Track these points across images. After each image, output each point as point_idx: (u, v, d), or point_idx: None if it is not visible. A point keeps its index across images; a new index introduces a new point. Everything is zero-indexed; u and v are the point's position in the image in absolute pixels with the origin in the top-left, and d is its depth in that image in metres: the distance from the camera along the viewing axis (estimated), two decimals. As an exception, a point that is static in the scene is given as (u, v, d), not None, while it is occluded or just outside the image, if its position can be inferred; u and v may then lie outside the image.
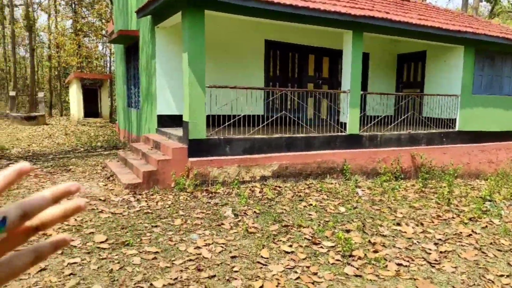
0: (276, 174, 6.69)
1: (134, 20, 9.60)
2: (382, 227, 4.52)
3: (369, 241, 4.03)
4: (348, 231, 4.31)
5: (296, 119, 7.87)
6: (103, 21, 22.28)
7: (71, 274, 3.13)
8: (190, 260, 3.48)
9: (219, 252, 3.67)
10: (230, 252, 3.69)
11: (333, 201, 5.58)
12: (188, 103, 6.18)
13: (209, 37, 7.12)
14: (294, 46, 9.54)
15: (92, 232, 4.04)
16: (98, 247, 3.67)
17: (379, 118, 8.46)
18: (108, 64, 29.48)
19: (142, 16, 7.82)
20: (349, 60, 7.53)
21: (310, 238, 4.06)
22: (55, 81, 27.25)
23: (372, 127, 8.26)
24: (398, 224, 4.64)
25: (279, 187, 6.30)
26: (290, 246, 3.83)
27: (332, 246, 3.86)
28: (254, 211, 4.97)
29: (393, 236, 4.26)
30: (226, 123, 6.74)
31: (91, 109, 18.33)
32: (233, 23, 8.29)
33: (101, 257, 3.45)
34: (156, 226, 4.32)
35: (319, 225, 4.50)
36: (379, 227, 4.52)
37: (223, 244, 3.87)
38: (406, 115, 8.77)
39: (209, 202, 5.34)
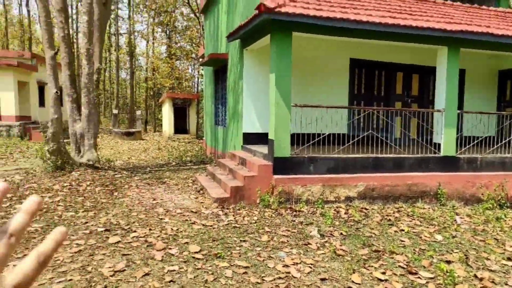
0: (362, 195, 6.45)
1: (223, 44, 10.23)
2: (489, 260, 4.05)
3: (475, 276, 3.64)
4: (448, 262, 3.95)
5: (383, 138, 7.55)
6: (194, 45, 24.17)
7: (171, 281, 3.37)
8: (280, 278, 3.50)
9: (308, 273, 3.63)
10: (319, 273, 3.63)
11: (427, 227, 5.18)
12: (273, 122, 6.33)
13: (293, 57, 7.27)
14: (380, 63, 9.25)
15: (187, 242, 4.31)
16: (193, 257, 3.89)
17: (479, 139, 7.71)
18: (196, 84, 31.68)
19: (232, 40, 8.30)
20: (443, 77, 7.06)
21: (405, 266, 3.81)
22: (149, 100, 30.13)
23: (471, 149, 7.55)
24: (509, 259, 4.12)
25: (366, 209, 6.06)
26: (383, 273, 3.64)
27: (432, 278, 3.56)
28: (341, 233, 4.84)
29: (504, 272, 3.78)
30: (310, 142, 6.73)
31: (180, 126, 19.79)
32: (317, 42, 8.36)
33: (196, 267, 3.66)
34: (244, 241, 4.45)
35: (414, 253, 4.20)
36: (486, 260, 4.06)
37: (311, 264, 3.83)
38: (511, 137, 7.84)
39: (294, 221, 5.35)
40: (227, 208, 5.86)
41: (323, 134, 6.86)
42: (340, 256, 4.06)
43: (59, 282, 3.26)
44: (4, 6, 30.37)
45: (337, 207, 6.10)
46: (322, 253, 4.14)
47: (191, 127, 20.37)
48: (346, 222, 5.33)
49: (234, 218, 5.37)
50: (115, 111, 21.21)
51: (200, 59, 17.51)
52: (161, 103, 23.06)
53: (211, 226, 4.96)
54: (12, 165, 9.44)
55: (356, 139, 7.10)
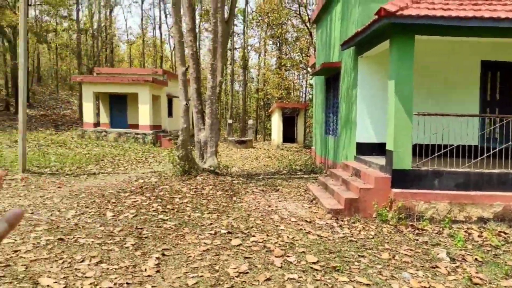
0: (499, 217, 5.63)
1: (336, 53, 10.13)
2: None
3: None
4: None
5: (527, 152, 6.47)
6: (303, 55, 24.54)
7: (291, 288, 3.43)
8: (406, 300, 3.27)
9: (439, 299, 3.31)
10: (452, 301, 3.28)
11: None
12: (392, 132, 5.99)
13: (414, 61, 6.78)
14: (521, 65, 8.00)
15: (304, 252, 4.34)
16: (311, 268, 3.90)
17: None
18: (303, 94, 32.01)
19: (346, 48, 8.16)
20: None
21: None
22: (260, 110, 31.52)
23: None
24: None
25: (505, 233, 5.26)
26: (537, 311, 3.10)
27: None
28: (475, 258, 4.29)
29: None
30: (435, 154, 6.16)
31: (288, 135, 20.21)
32: (441, 45, 7.66)
33: (315, 278, 3.65)
34: (362, 256, 4.28)
35: None
36: None
37: (441, 290, 3.48)
38: None
39: (417, 240, 4.94)
40: (342, 220, 5.73)
41: (450, 145, 6.21)
42: (477, 285, 3.59)
43: (193, 277, 3.61)
44: (142, 31, 35.46)
45: (467, 228, 5.44)
46: (455, 279, 3.72)
47: (298, 136, 20.61)
48: (480, 247, 4.71)
49: (350, 231, 5.22)
50: (229, 121, 22.76)
51: (310, 69, 17.65)
52: (270, 113, 23.91)
53: (326, 237, 4.91)
54: (147, 168, 10.88)
55: (491, 152, 6.25)
